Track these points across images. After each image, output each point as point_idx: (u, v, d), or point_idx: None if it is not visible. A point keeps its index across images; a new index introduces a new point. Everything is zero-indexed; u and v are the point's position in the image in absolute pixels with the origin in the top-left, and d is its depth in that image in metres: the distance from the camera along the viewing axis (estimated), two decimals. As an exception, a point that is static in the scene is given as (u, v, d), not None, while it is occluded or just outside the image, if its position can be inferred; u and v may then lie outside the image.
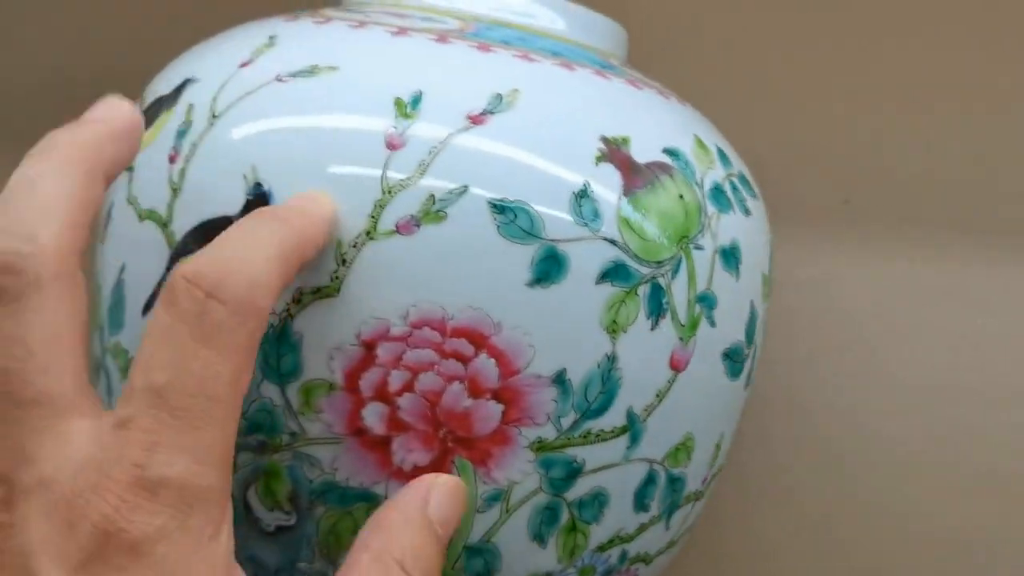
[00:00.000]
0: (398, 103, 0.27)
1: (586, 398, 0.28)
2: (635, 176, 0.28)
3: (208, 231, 0.28)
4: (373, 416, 0.27)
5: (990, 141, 0.42)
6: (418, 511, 0.26)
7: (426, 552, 0.26)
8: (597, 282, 0.27)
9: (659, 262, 0.28)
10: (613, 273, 0.27)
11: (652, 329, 0.28)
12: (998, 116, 0.42)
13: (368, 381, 0.27)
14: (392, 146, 0.27)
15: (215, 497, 0.21)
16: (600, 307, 0.27)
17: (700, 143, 0.31)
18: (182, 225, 0.28)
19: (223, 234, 0.24)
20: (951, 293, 0.42)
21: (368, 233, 0.26)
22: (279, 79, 0.28)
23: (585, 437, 0.28)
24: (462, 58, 0.29)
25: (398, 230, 0.26)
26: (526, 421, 0.27)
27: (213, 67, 0.30)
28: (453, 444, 0.27)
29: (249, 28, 0.32)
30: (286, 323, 0.27)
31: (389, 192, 0.27)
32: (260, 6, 0.37)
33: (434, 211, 0.26)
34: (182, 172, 0.29)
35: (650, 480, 0.30)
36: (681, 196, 0.29)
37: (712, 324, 0.30)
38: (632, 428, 0.29)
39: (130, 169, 0.31)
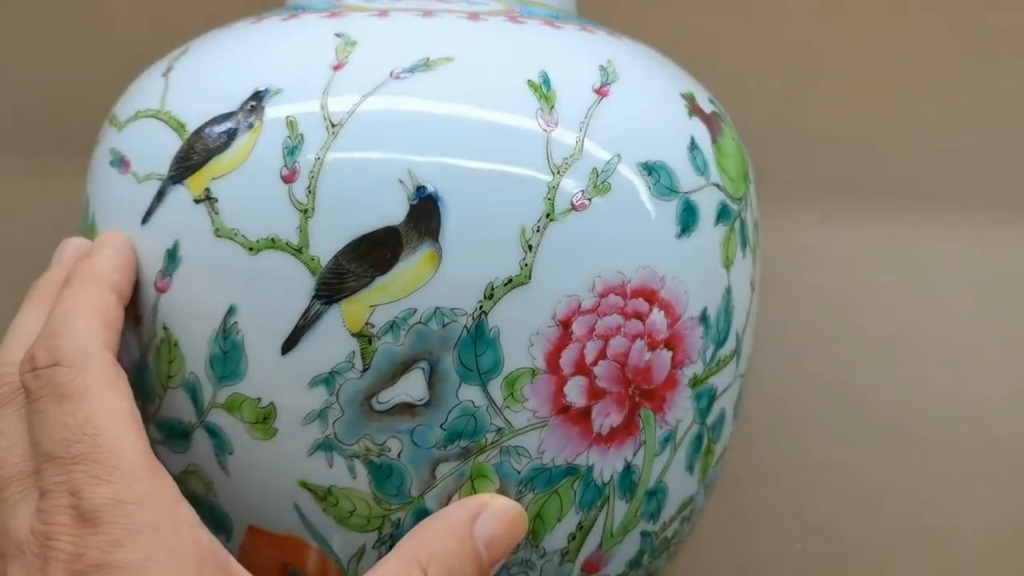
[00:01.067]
0: (532, 86, 0.28)
1: (718, 330, 0.31)
2: (712, 126, 0.31)
3: (371, 245, 0.26)
4: (575, 391, 0.28)
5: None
6: (463, 523, 0.26)
7: (459, 566, 0.25)
8: (715, 224, 0.30)
9: (740, 198, 0.32)
10: (722, 214, 0.31)
11: (743, 258, 0.32)
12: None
13: (567, 358, 0.27)
14: (547, 127, 0.27)
15: (149, 499, 0.24)
16: (719, 246, 0.30)
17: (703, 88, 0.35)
18: (327, 247, 0.26)
19: (52, 313, 0.27)
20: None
21: (548, 215, 0.27)
22: (395, 76, 0.27)
23: (717, 365, 0.31)
24: (550, 37, 0.30)
25: (574, 207, 0.27)
26: (686, 361, 0.30)
27: (291, 73, 0.28)
28: (639, 398, 0.29)
29: (277, 27, 0.30)
30: (481, 321, 0.27)
31: (558, 172, 0.27)
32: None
33: (600, 183, 0.27)
34: (311, 190, 0.26)
35: (741, 392, 0.34)
36: (734, 138, 0.33)
37: (759, 243, 0.34)
38: (738, 350, 0.32)
39: (208, 199, 0.27)
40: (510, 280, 0.27)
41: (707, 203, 0.30)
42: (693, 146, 0.30)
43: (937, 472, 0.44)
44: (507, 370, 0.27)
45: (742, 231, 0.32)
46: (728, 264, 0.31)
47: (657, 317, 0.29)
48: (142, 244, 0.29)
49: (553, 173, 0.27)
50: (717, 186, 0.30)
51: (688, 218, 0.29)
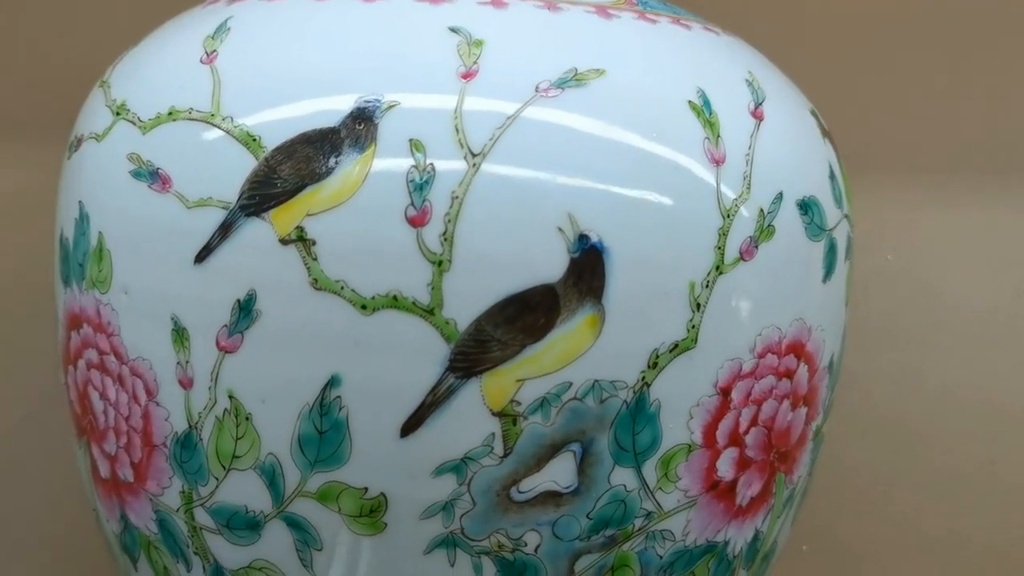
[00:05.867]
0: (694, 109, 0.23)
1: (836, 375, 0.28)
2: (834, 145, 0.28)
3: (521, 308, 0.21)
4: (726, 464, 0.24)
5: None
6: None
7: None
8: (845, 260, 0.27)
9: (854, 225, 0.29)
10: (849, 248, 0.27)
11: (851, 290, 0.29)
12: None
13: (723, 429, 0.24)
14: (716, 161, 0.23)
15: None
16: (845, 284, 0.27)
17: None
18: (466, 308, 0.21)
19: None
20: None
21: (718, 268, 0.23)
22: (542, 92, 0.22)
23: (828, 411, 0.28)
24: (689, 41, 0.25)
25: (742, 256, 0.23)
26: (815, 416, 0.27)
27: (406, 81, 0.22)
28: (777, 462, 0.26)
29: (357, 9, 0.23)
30: (642, 394, 0.22)
31: (728, 216, 0.23)
32: None
33: (766, 227, 0.24)
34: (447, 238, 0.21)
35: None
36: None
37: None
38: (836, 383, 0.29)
39: (301, 240, 0.21)
40: (676, 345, 0.22)
41: (841, 238, 0.27)
42: (832, 175, 0.26)
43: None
44: (664, 448, 0.23)
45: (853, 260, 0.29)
46: (847, 302, 0.28)
47: (802, 372, 0.25)
48: (195, 289, 0.22)
49: (723, 216, 0.23)
50: (847, 217, 0.27)
51: (831, 259, 0.26)
